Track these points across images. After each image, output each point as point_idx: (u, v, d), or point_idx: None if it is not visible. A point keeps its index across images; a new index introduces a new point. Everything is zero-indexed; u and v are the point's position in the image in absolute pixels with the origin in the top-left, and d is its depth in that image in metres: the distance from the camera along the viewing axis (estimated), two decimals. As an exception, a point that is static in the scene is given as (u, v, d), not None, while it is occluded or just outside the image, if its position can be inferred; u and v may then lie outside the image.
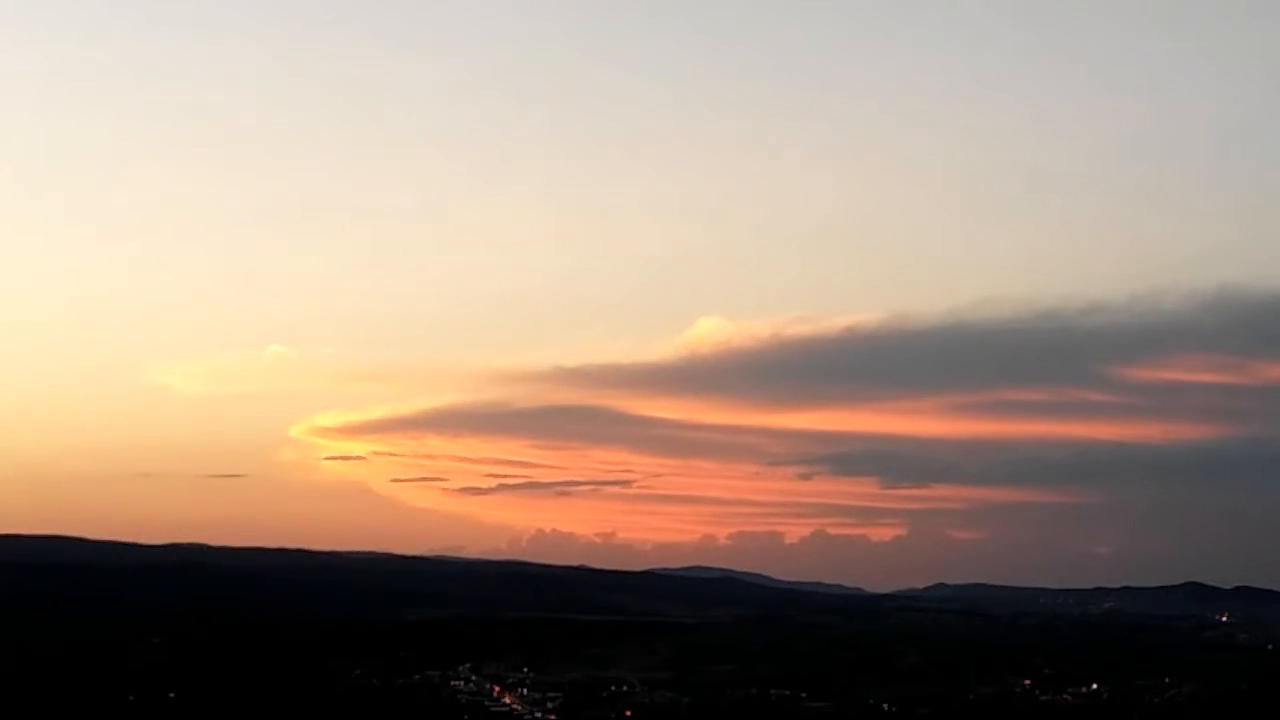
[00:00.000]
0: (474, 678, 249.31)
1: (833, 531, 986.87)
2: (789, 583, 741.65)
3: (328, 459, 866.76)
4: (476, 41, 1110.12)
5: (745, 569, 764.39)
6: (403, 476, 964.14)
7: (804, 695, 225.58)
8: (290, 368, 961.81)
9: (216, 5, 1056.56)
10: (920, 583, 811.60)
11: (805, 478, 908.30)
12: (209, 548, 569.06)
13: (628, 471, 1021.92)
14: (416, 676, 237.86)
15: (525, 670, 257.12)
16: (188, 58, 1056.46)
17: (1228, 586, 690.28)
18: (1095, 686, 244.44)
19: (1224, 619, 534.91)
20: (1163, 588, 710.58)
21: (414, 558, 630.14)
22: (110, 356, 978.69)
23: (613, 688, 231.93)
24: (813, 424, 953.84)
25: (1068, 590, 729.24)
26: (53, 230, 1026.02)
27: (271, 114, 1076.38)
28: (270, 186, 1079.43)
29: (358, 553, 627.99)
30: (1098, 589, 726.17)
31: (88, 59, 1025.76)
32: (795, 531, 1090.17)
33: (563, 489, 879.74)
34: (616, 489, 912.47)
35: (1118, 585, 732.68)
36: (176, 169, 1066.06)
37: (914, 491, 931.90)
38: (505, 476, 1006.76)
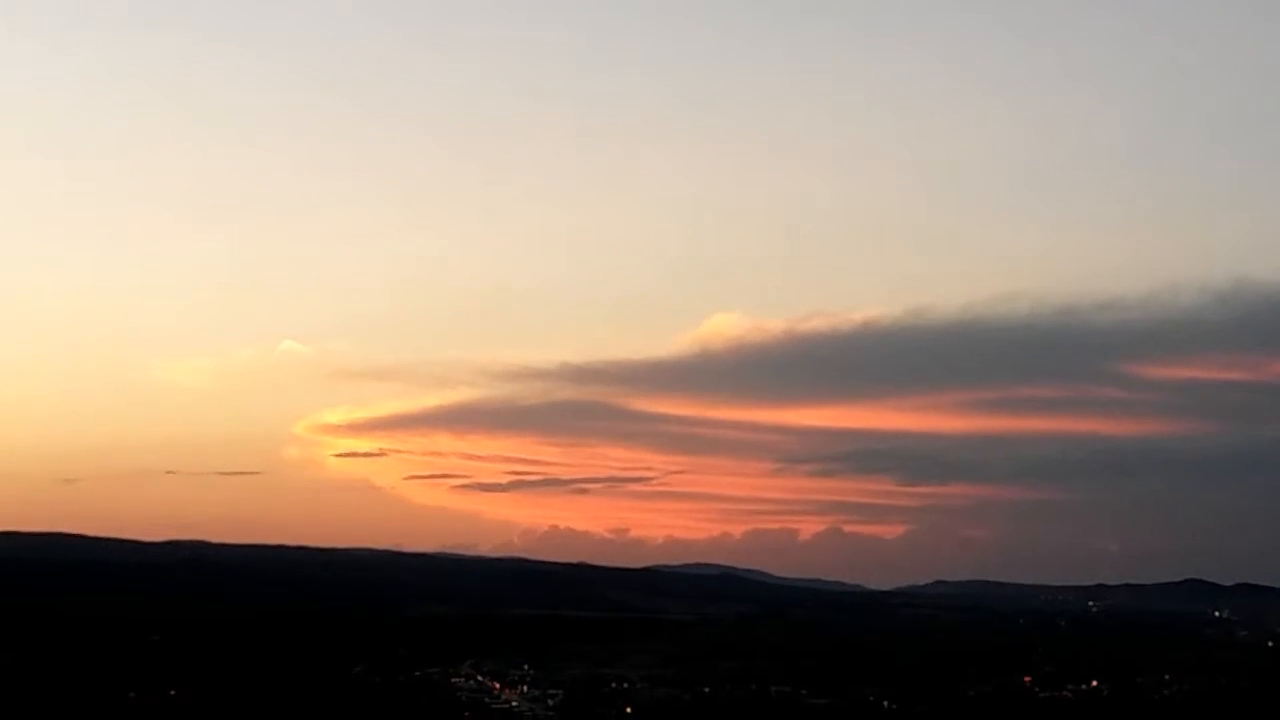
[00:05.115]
0: (475, 675, 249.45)
1: (848, 529, 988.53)
2: (790, 579, 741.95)
3: (339, 456, 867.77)
4: (487, 42, 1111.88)
5: (746, 566, 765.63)
6: (416, 473, 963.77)
7: (804, 692, 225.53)
8: (302, 364, 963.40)
9: (238, 5, 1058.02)
10: (923, 579, 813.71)
11: (821, 475, 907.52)
12: (214, 544, 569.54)
13: (646, 469, 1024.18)
14: (417, 673, 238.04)
15: (526, 667, 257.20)
16: (193, 55, 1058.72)
17: (1228, 583, 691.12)
18: (1096, 683, 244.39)
19: (1225, 616, 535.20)
20: (1164, 584, 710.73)
21: (416, 554, 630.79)
22: (121, 353, 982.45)
23: (613, 685, 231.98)
24: (828, 421, 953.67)
25: (1069, 586, 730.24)
26: (62, 226, 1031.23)
27: (280, 112, 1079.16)
28: (282, 184, 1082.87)
29: (364, 549, 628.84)
30: (1099, 585, 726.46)
31: (93, 56, 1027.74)
32: (810, 529, 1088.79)
33: (580, 486, 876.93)
34: (635, 486, 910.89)
35: (1119, 582, 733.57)
36: (189, 166, 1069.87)
37: (929, 489, 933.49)
38: (521, 474, 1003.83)
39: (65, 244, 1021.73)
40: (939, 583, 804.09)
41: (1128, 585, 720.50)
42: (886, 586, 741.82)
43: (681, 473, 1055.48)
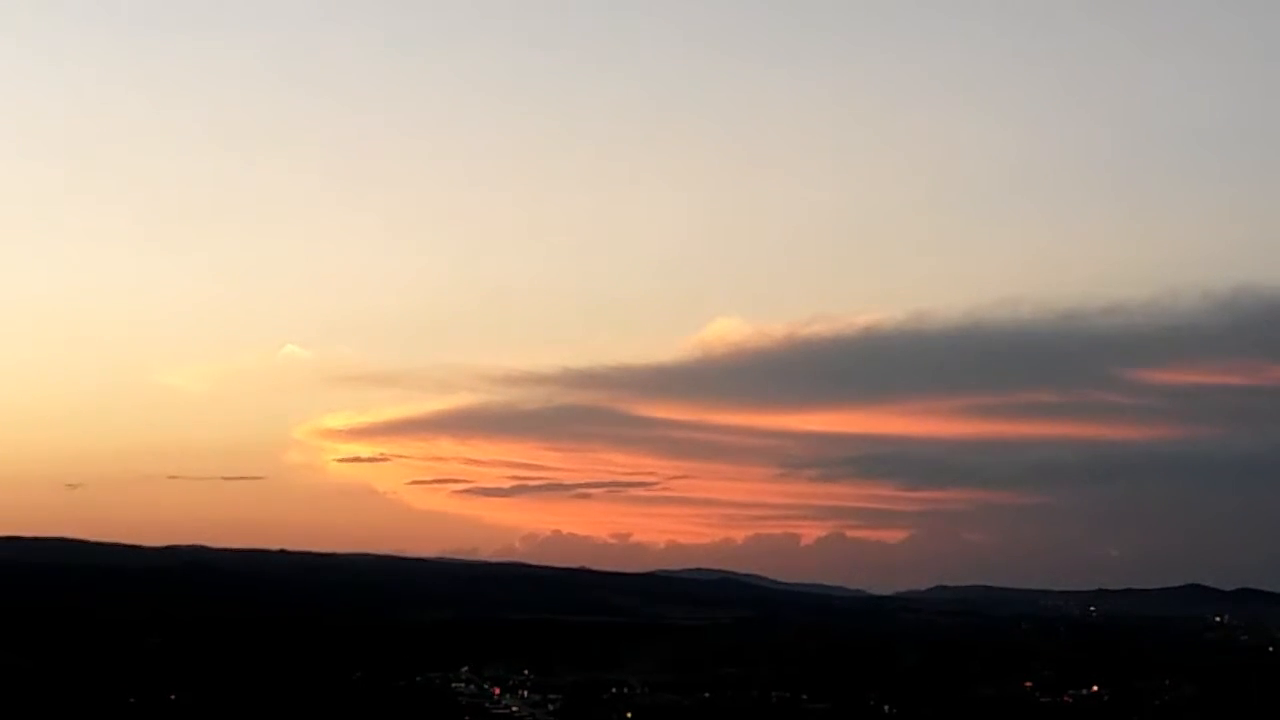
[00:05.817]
0: (475, 680, 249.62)
1: (849, 534, 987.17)
2: (792, 584, 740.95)
3: (340, 461, 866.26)
4: (488, 42, 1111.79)
5: (748, 571, 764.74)
6: (418, 478, 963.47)
7: (805, 697, 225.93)
8: (304, 369, 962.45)
9: (240, 9, 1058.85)
10: (924, 584, 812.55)
11: (823, 480, 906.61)
12: (216, 549, 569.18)
13: (648, 474, 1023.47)
14: (417, 678, 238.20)
15: (526, 672, 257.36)
16: (194, 58, 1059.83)
17: (1229, 588, 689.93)
18: (1096, 688, 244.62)
19: (1226, 621, 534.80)
20: (1165, 589, 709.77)
21: (417, 559, 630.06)
22: (123, 358, 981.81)
23: (614, 690, 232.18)
24: (829, 426, 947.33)
25: (1070, 591, 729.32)
26: (63, 231, 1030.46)
27: (281, 116, 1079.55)
28: (283, 188, 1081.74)
29: (365, 554, 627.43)
30: (1100, 590, 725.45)
31: (94, 58, 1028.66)
32: (811, 534, 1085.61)
33: (582, 491, 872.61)
34: (637, 491, 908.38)
35: (1120, 586, 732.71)
36: (189, 170, 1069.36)
37: (930, 494, 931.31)
38: (522, 479, 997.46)
39: (66, 248, 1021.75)
40: (940, 587, 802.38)
41: (1129, 590, 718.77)
42: (887, 591, 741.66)
43: (683, 478, 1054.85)
